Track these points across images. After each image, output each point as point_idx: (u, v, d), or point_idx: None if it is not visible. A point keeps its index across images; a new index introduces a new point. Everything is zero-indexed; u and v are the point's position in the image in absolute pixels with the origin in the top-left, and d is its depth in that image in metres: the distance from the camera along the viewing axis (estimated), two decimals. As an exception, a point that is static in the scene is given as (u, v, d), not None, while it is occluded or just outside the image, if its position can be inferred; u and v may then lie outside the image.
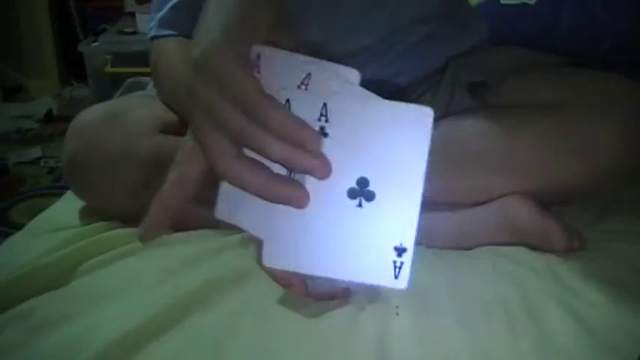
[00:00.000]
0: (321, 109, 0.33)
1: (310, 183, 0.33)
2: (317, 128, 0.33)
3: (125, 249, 0.65)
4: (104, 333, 0.51)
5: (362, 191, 0.33)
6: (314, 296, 0.54)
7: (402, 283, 0.33)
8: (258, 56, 0.35)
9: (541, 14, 1.15)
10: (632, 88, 0.63)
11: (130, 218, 0.70)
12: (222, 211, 0.37)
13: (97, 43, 2.18)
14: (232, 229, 0.43)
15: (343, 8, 0.74)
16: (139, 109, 0.74)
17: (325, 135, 0.33)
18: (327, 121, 0.33)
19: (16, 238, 0.72)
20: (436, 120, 0.33)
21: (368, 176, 0.33)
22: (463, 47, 0.82)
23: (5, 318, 0.55)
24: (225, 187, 0.36)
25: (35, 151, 2.02)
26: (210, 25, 0.36)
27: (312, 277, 0.53)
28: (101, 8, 2.44)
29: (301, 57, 0.35)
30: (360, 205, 0.33)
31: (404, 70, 0.79)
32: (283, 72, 0.34)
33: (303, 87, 0.34)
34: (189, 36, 0.79)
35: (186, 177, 0.38)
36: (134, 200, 0.69)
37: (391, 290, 0.34)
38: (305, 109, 0.33)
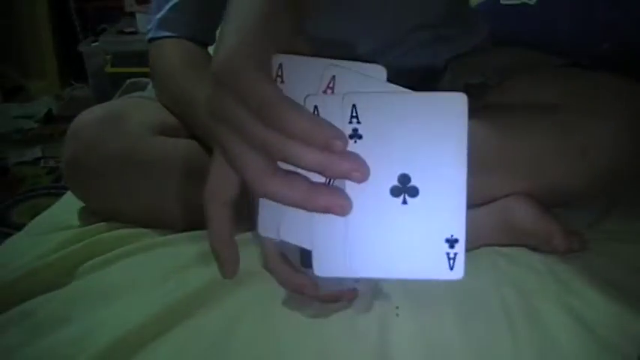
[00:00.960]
0: (351, 110, 0.32)
1: (352, 187, 0.32)
2: (349, 131, 0.32)
3: (125, 249, 0.65)
4: (105, 333, 0.52)
5: (405, 188, 0.32)
6: (321, 298, 0.54)
7: (458, 273, 0.33)
8: (280, 65, 0.33)
9: (541, 14, 1.15)
10: (632, 88, 0.63)
11: (129, 219, 0.71)
12: (265, 228, 0.36)
13: (97, 43, 2.18)
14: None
15: (343, 17, 0.74)
16: (138, 111, 0.74)
17: (360, 137, 0.32)
18: (358, 122, 0.32)
19: (16, 238, 0.72)
20: None
21: (409, 172, 0.32)
22: (463, 48, 0.82)
23: (6, 318, 0.55)
24: (263, 204, 0.35)
25: (35, 151, 2.02)
26: (228, 35, 0.34)
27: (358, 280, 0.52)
28: (101, 8, 2.44)
29: (323, 60, 0.33)
30: (404, 202, 0.32)
31: (404, 71, 0.79)
32: (306, 78, 0.33)
33: (329, 91, 0.33)
34: (188, 37, 0.80)
35: (226, 203, 0.37)
36: (133, 201, 0.69)
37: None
38: (335, 114, 0.32)
